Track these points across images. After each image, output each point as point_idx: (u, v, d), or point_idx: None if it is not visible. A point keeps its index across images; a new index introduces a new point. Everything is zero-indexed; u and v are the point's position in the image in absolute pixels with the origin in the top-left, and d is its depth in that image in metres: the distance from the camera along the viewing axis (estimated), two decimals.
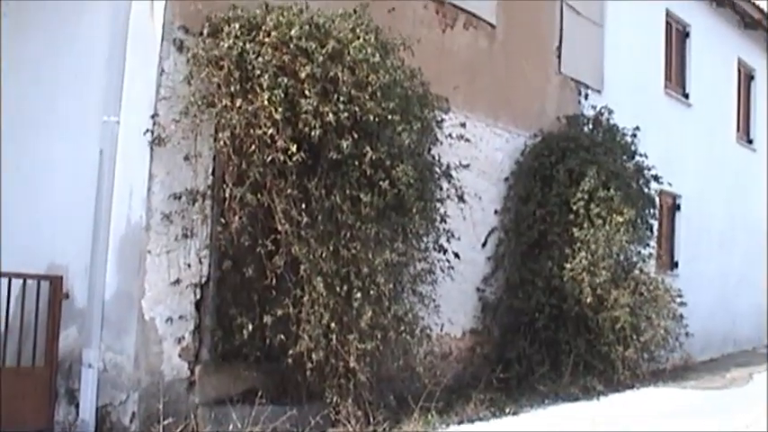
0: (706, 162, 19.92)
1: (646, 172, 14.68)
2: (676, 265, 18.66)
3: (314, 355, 8.90)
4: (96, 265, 9.00)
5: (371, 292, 9.06)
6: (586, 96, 15.85)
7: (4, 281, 9.06)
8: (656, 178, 14.85)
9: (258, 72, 8.69)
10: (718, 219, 20.37)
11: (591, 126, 15.13)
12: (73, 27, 9.93)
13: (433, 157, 10.32)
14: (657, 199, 15.58)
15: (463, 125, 11.73)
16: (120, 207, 9.00)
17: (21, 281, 9.19)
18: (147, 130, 8.79)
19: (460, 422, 10.38)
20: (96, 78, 9.40)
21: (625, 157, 14.47)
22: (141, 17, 9.16)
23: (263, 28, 8.97)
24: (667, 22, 18.98)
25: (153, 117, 8.83)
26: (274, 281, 8.90)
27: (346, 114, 8.75)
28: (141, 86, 9.00)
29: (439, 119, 10.47)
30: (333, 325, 8.93)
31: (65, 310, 9.23)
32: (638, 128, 15.00)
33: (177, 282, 8.96)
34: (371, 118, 8.89)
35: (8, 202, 10.03)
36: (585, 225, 13.35)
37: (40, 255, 9.55)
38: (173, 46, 9.03)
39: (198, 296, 9.13)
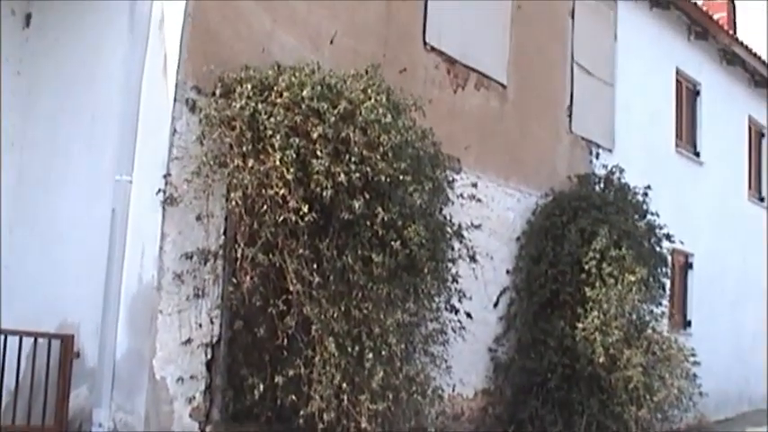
0: (718, 220, 19.87)
1: (657, 231, 14.63)
2: (689, 323, 18.54)
3: (325, 416, 8.79)
4: (107, 323, 9.00)
5: (383, 352, 9.00)
6: (597, 155, 15.88)
7: (16, 339, 9.07)
8: (668, 237, 14.80)
9: (270, 132, 8.72)
10: (731, 277, 20.27)
11: (602, 185, 15.13)
12: (87, 86, 10.02)
13: (445, 217, 10.28)
14: (670, 257, 15.50)
15: (475, 185, 11.75)
16: (131, 266, 9.02)
17: (32, 339, 9.19)
18: (160, 190, 8.83)
19: None
20: (109, 138, 9.47)
21: (637, 216, 14.42)
22: (154, 77, 9.25)
23: (276, 88, 9.02)
24: (678, 81, 19.05)
25: (165, 177, 8.87)
26: (286, 341, 8.84)
27: (358, 175, 8.74)
28: (154, 146, 9.06)
29: (450, 179, 10.46)
30: (344, 385, 8.84)
31: (75, 369, 9.21)
32: (649, 186, 14.98)
33: (188, 341, 8.94)
34: (383, 178, 8.88)
35: (21, 259, 10.08)
36: (597, 284, 13.29)
37: (52, 313, 9.55)
38: (185, 106, 9.09)
39: (209, 356, 9.11)
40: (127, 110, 9.32)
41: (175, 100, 9.03)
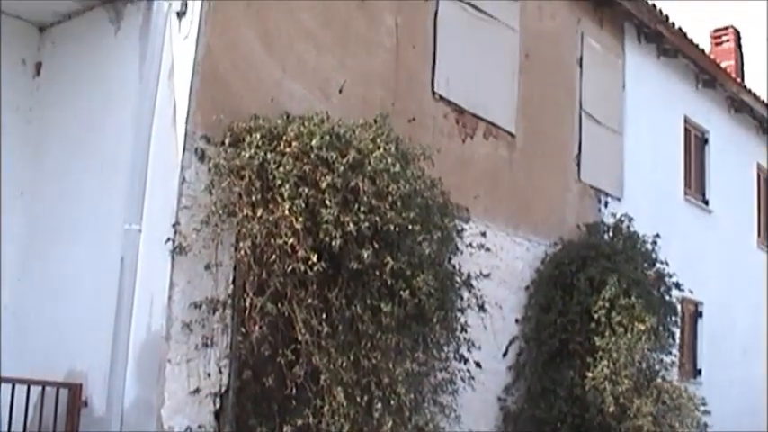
0: (728, 268, 19.82)
1: (667, 279, 14.57)
2: (699, 372, 18.45)
3: None
4: (116, 372, 8.93)
5: (392, 402, 8.93)
6: (606, 204, 15.88)
7: (23, 387, 9.04)
8: (677, 285, 14.71)
9: (279, 182, 8.72)
10: (741, 325, 20.19)
11: (611, 234, 15.10)
12: (97, 135, 10.06)
13: (454, 267, 10.24)
14: (679, 306, 15.43)
15: (483, 234, 11.73)
16: (140, 315, 8.97)
17: (40, 388, 9.16)
18: (169, 239, 8.83)
19: None
20: (119, 187, 9.45)
21: (646, 265, 14.35)
22: (164, 127, 9.27)
23: (285, 138, 9.03)
24: (686, 129, 19.09)
25: (174, 226, 8.87)
26: (294, 390, 8.78)
27: (367, 224, 8.72)
28: (163, 195, 9.06)
29: (459, 228, 10.43)
30: None
31: (83, 418, 9.16)
32: (658, 235, 14.92)
33: (197, 391, 8.90)
34: (392, 228, 8.84)
35: (30, 307, 10.07)
36: (607, 333, 13.19)
37: (60, 361, 9.53)
38: (194, 155, 9.11)
39: (217, 405, 9.05)
40: (136, 159, 9.31)
41: (185, 149, 9.05)
